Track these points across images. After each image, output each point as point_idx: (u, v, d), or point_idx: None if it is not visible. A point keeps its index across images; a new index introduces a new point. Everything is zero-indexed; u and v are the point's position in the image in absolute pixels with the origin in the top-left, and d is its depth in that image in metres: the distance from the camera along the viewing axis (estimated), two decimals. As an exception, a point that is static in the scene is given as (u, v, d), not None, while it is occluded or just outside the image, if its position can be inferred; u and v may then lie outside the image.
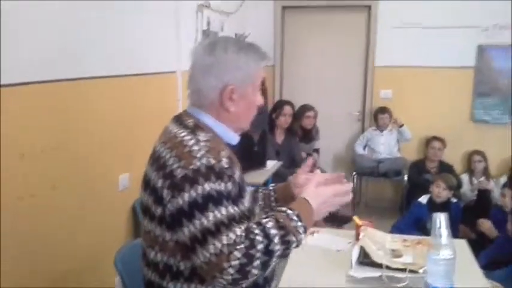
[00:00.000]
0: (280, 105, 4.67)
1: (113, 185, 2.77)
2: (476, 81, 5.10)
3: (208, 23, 4.06)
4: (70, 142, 2.44)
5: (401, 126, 5.08)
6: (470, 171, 4.96)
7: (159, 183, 1.28)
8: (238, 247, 1.17)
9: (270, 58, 1.42)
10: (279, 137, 4.62)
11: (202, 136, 1.32)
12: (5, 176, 2.00)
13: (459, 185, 4.65)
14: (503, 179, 4.77)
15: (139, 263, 1.45)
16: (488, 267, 2.87)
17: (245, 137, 3.72)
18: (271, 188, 1.71)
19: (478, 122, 5.15)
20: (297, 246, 1.30)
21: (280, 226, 1.25)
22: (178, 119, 1.41)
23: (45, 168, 2.27)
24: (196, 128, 1.36)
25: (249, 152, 3.70)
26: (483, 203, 4.33)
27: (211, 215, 1.19)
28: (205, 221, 1.19)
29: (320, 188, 1.41)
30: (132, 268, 1.46)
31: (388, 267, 1.73)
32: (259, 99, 1.48)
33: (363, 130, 5.44)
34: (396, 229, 3.57)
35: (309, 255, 2.00)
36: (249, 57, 1.40)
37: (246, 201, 1.39)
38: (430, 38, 5.05)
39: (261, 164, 3.83)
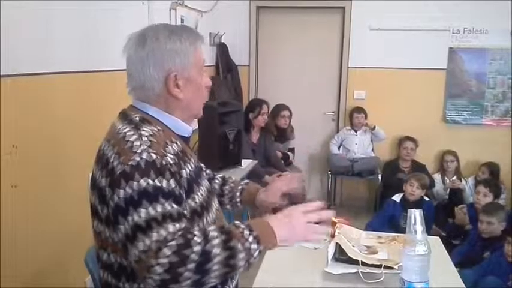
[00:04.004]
0: (258, 104, 4.64)
1: (83, 182, 2.70)
2: (448, 83, 5.19)
3: (182, 21, 4.03)
4: (39, 139, 2.38)
5: (373, 128, 5.13)
6: (443, 170, 5.04)
7: (103, 182, 1.22)
8: (168, 244, 1.08)
9: (204, 38, 1.36)
10: (254, 136, 4.60)
11: (146, 131, 1.26)
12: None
13: (432, 184, 4.71)
14: (471, 180, 4.87)
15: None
16: (461, 264, 2.92)
17: (221, 136, 3.72)
18: (240, 186, 1.67)
19: (449, 123, 5.24)
20: (248, 259, 1.16)
21: (223, 231, 1.16)
22: (124, 114, 1.35)
23: (8, 167, 2.20)
24: (143, 122, 1.29)
25: (225, 151, 3.68)
26: (455, 202, 4.40)
27: (143, 212, 1.11)
28: (136, 217, 1.11)
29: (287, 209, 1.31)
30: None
31: (363, 264, 1.73)
32: (206, 81, 1.42)
33: (337, 130, 5.47)
34: (370, 227, 3.60)
35: (284, 252, 1.98)
36: (183, 40, 1.33)
37: (199, 196, 1.33)
38: (402, 40, 5.11)
39: (236, 163, 3.82)
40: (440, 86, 5.20)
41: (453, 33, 5.06)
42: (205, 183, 1.45)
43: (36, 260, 2.40)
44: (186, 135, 1.41)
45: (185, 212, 1.21)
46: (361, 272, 1.70)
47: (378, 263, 1.73)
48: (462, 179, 4.89)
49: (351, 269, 1.73)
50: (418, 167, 4.93)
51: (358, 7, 5.18)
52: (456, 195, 4.56)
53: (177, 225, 1.13)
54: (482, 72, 5.10)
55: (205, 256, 1.10)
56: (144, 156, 1.18)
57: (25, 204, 2.31)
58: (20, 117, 2.26)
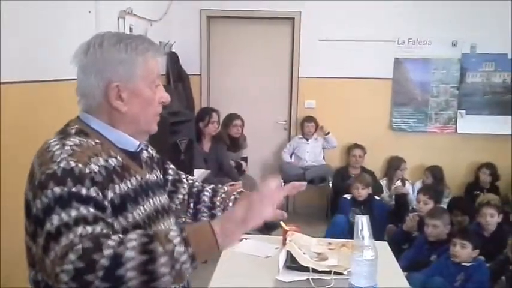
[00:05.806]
0: (207, 112, 4.64)
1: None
2: (394, 92, 5.37)
3: (131, 30, 3.97)
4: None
5: (327, 134, 5.23)
6: (389, 176, 5.18)
7: (29, 195, 1.15)
8: (75, 248, 0.97)
9: (160, 49, 1.30)
10: (206, 145, 4.59)
11: (71, 141, 1.18)
12: None
13: (380, 190, 4.85)
14: (419, 184, 5.05)
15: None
16: (409, 268, 3.01)
17: (172, 146, 3.68)
18: (232, 197, 1.64)
19: (396, 130, 5.42)
20: (173, 265, 0.98)
21: (147, 234, 1.03)
22: (64, 127, 1.27)
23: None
24: (77, 133, 1.22)
25: (176, 161, 3.64)
26: (401, 207, 4.53)
27: (55, 219, 1.03)
28: (48, 225, 1.03)
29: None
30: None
31: (314, 270, 1.75)
32: (160, 96, 1.31)
33: (289, 139, 5.54)
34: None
35: (236, 262, 1.99)
36: (131, 50, 1.23)
37: (134, 216, 1.23)
38: (350, 50, 5.26)
39: (188, 173, 3.75)
40: (386, 95, 5.38)
41: (398, 44, 5.26)
42: (154, 201, 1.35)
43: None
44: (132, 150, 1.32)
45: (108, 220, 1.12)
46: (311, 278, 1.72)
47: (328, 269, 1.76)
48: (406, 183, 5.06)
49: (302, 276, 1.75)
50: (366, 174, 5.06)
51: (307, 18, 5.29)
52: (401, 200, 4.69)
53: (89, 228, 1.02)
54: (426, 82, 5.32)
55: (116, 260, 0.96)
56: (62, 164, 1.11)
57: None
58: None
